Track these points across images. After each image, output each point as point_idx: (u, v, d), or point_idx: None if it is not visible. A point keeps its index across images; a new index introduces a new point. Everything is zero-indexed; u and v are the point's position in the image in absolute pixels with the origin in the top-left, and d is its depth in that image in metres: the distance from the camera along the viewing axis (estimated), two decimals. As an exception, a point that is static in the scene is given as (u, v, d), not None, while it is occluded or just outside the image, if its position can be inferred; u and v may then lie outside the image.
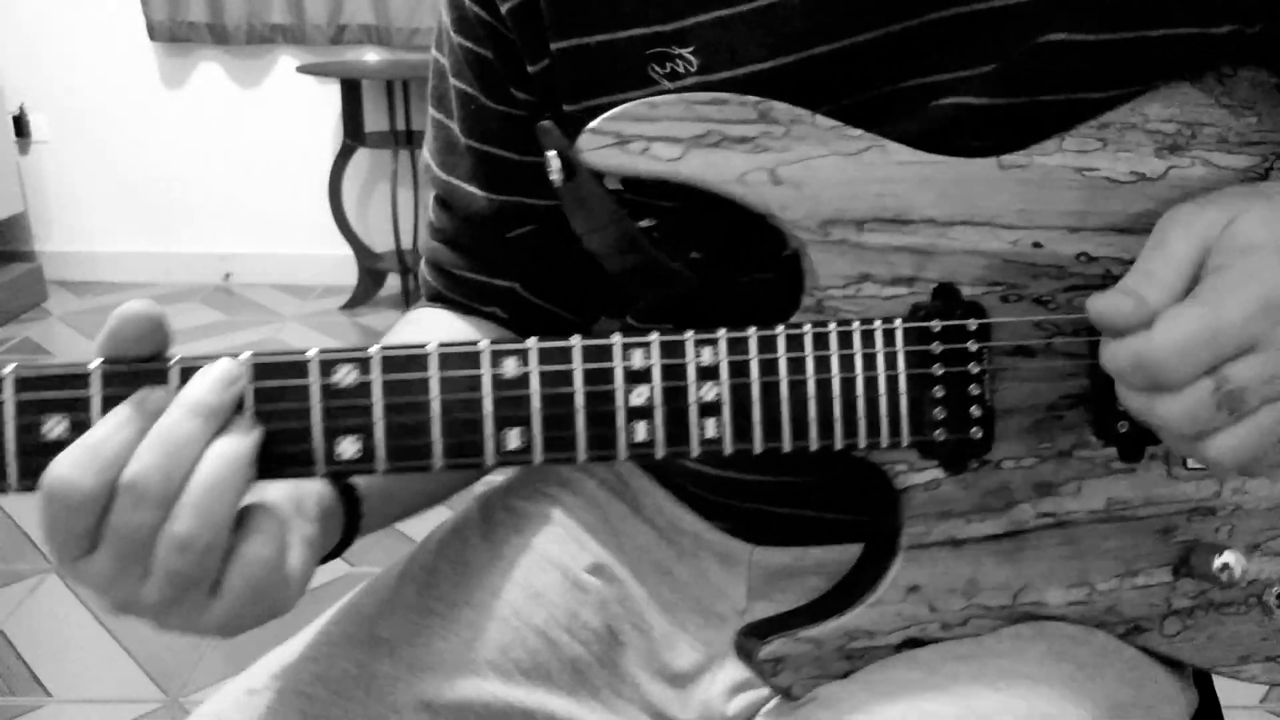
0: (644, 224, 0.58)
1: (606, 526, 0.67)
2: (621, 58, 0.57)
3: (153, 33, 3.26)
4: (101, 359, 0.43)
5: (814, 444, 0.50)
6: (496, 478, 0.70)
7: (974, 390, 0.52)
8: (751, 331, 0.50)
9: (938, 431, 0.51)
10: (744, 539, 0.66)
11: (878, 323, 0.51)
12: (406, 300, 3.22)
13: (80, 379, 0.43)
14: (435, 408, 0.46)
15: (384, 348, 0.46)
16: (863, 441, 0.51)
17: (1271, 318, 0.44)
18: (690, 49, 0.55)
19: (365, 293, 3.31)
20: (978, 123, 0.53)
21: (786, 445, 0.50)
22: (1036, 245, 0.52)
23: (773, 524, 0.64)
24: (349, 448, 0.45)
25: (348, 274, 3.37)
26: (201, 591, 0.42)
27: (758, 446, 0.49)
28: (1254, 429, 0.45)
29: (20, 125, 3.40)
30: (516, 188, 0.65)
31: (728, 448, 0.49)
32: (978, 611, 0.54)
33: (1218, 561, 0.54)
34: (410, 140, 3.25)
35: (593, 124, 0.49)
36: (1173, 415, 0.45)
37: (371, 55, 3.32)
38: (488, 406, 0.46)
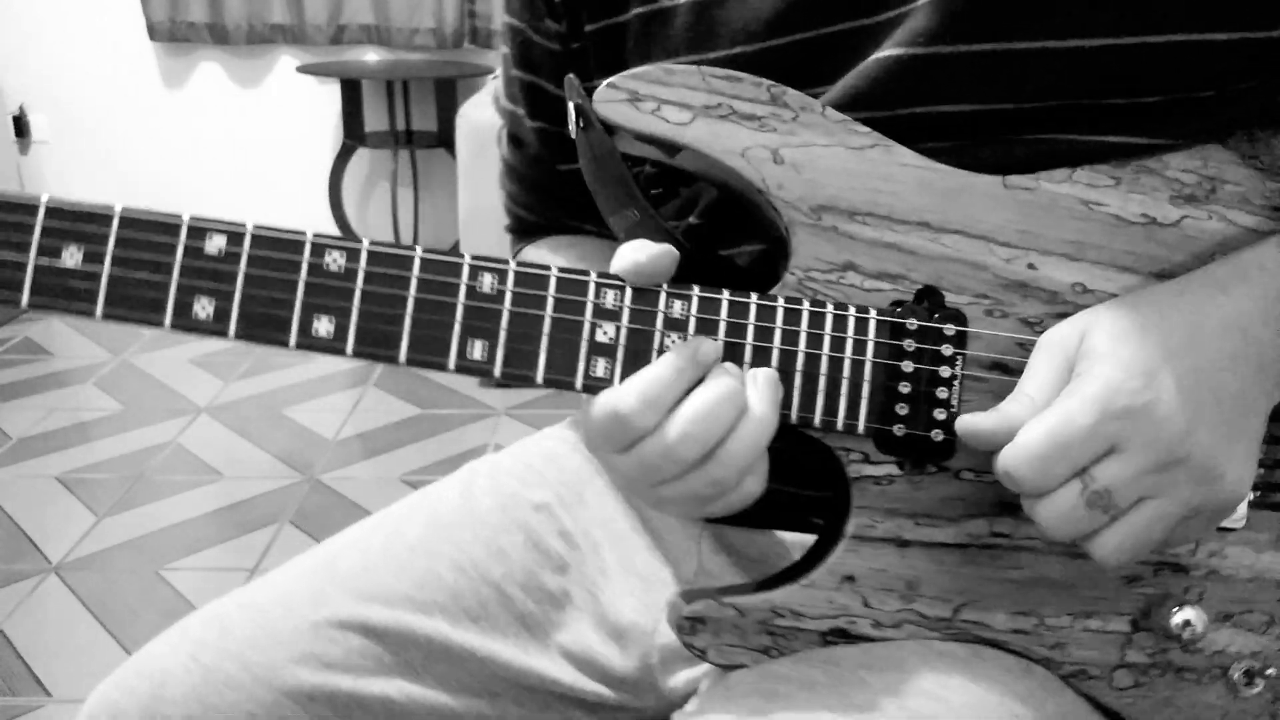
0: (655, 192, 0.61)
1: (580, 499, 0.70)
2: None
3: (153, 33, 3.26)
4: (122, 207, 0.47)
5: None
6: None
7: (941, 394, 0.51)
8: (725, 294, 0.50)
9: (897, 426, 0.51)
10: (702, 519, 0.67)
11: (852, 309, 0.51)
12: (406, 300, 3.22)
13: (104, 219, 0.46)
14: (410, 306, 0.48)
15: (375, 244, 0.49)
16: (818, 418, 0.51)
17: (1123, 420, 0.46)
18: None
19: (365, 293, 3.31)
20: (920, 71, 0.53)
21: None
22: (1031, 267, 0.52)
23: None
24: (324, 327, 0.48)
25: (348, 274, 3.36)
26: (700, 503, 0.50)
27: None
28: (1131, 527, 0.47)
29: (20, 125, 3.39)
30: (558, 119, 0.68)
31: None
32: (913, 618, 0.53)
33: (1178, 617, 0.52)
34: (410, 140, 3.25)
35: (611, 79, 0.51)
36: (1047, 518, 0.47)
37: (371, 55, 3.32)
38: (459, 315, 0.48)
